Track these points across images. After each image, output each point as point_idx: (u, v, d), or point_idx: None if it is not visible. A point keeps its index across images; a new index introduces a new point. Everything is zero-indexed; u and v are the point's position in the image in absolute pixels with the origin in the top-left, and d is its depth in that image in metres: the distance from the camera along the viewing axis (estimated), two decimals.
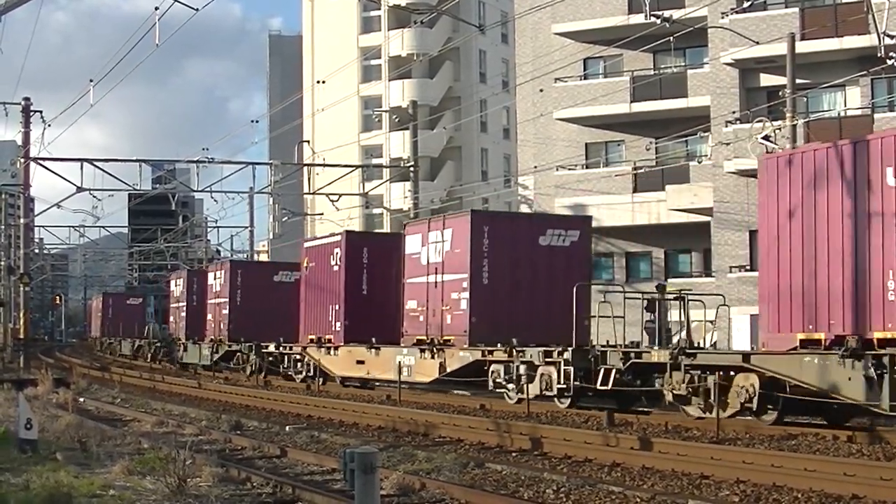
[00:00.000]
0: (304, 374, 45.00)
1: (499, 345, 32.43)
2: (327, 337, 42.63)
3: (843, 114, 45.67)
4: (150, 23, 32.63)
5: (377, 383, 41.59)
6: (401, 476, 17.35)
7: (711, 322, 47.09)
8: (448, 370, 35.21)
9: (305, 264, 45.60)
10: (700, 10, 45.14)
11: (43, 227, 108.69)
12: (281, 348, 47.51)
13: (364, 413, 29.92)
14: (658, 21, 39.87)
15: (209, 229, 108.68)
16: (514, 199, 73.16)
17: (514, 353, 31.39)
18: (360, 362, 40.39)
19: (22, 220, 68.51)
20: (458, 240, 34.95)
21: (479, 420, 26.89)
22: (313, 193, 60.11)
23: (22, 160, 57.45)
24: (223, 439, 24.71)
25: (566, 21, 55.07)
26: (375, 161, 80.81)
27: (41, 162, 54.92)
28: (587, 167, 54.90)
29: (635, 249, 54.68)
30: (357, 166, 63.61)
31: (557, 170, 55.20)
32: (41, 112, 57.11)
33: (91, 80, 46.60)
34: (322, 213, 66.25)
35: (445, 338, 35.29)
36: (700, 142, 50.18)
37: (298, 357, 45.73)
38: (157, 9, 31.87)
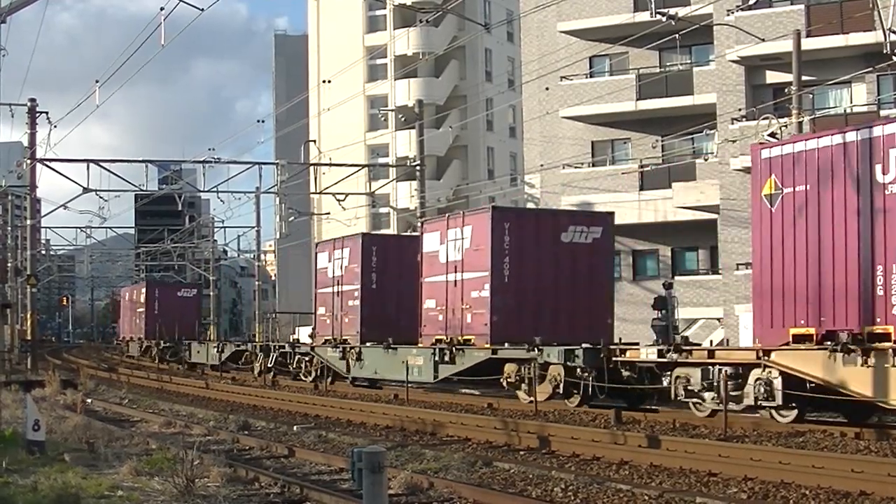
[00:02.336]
0: (770, 401, 24.31)
1: None
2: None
3: (849, 110, 45.62)
4: (156, 23, 32.68)
5: None
6: (409, 475, 17.36)
7: (718, 319, 47.31)
8: None
9: (770, 190, 24.51)
10: (705, 8, 45.12)
11: (50, 228, 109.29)
12: (682, 355, 26.69)
13: (372, 412, 29.92)
14: (664, 19, 39.91)
15: (216, 229, 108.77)
16: (520, 197, 73.10)
17: None
18: None
19: (28, 222, 68.49)
20: None
21: (486, 419, 26.88)
22: (320, 193, 60.10)
23: (28, 161, 57.46)
24: (231, 439, 24.73)
25: (572, 19, 55.05)
26: (382, 160, 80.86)
27: (47, 163, 54.99)
28: (594, 165, 54.86)
29: (642, 247, 54.64)
30: (363, 165, 63.64)
31: (564, 168, 55.18)
32: (47, 113, 57.13)
33: (97, 81, 46.73)
34: (329, 213, 66.23)
35: None
36: (706, 139, 50.12)
37: (731, 372, 24.69)
38: (162, 9, 31.92)
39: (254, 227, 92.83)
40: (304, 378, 46.11)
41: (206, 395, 41.43)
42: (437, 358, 35.38)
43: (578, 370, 29.45)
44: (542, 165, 56.82)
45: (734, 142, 43.73)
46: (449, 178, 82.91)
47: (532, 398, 30.40)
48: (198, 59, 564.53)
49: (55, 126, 55.87)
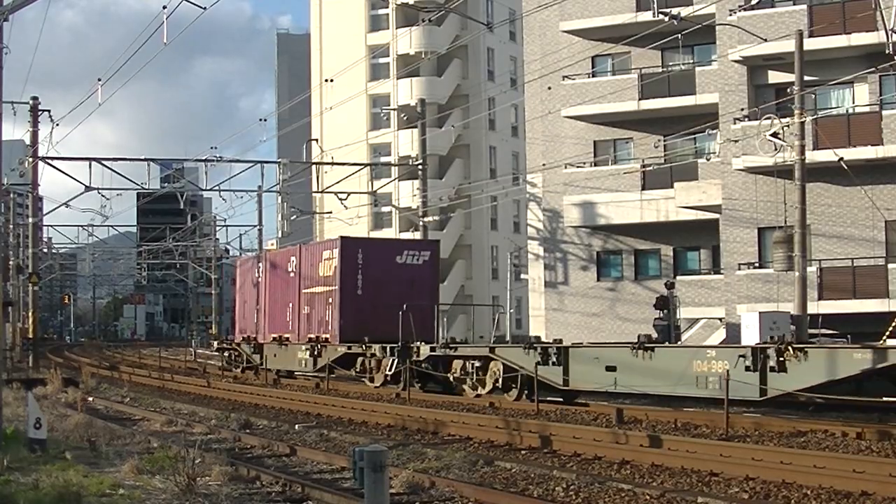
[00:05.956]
0: None
1: None
2: None
3: (851, 111, 45.61)
4: (159, 21, 32.67)
5: None
6: (410, 474, 17.37)
7: (720, 319, 47.31)
8: None
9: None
10: (708, 8, 45.08)
11: (51, 226, 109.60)
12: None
13: (373, 411, 29.95)
14: (666, 18, 39.85)
15: (218, 228, 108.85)
16: (522, 197, 73.13)
17: None
18: None
19: (30, 220, 68.60)
20: None
21: (488, 418, 26.90)
22: (322, 192, 60.12)
23: (30, 159, 57.54)
24: (233, 438, 24.75)
25: (574, 19, 54.99)
26: (384, 159, 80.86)
27: (49, 161, 55.06)
28: (596, 165, 54.78)
29: (644, 247, 54.59)
30: (365, 164, 63.62)
31: (566, 167, 55.12)
32: (49, 111, 57.27)
33: (99, 80, 46.78)
34: (331, 212, 66.23)
35: None
36: (708, 139, 50.03)
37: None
38: (164, 7, 31.92)
39: (256, 226, 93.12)
40: None
41: (208, 393, 41.43)
42: None
43: None
44: (544, 165, 56.75)
45: (736, 142, 43.68)
46: (451, 177, 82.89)
47: None
48: (201, 58, 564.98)
49: (57, 124, 56.08)
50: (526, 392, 32.92)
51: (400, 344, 38.65)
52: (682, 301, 43.58)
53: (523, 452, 21.46)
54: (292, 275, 49.16)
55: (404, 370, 37.78)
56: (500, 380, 34.03)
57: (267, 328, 51.86)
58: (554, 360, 31.71)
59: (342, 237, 47.51)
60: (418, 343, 38.50)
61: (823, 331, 36.93)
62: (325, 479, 18.51)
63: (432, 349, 37.82)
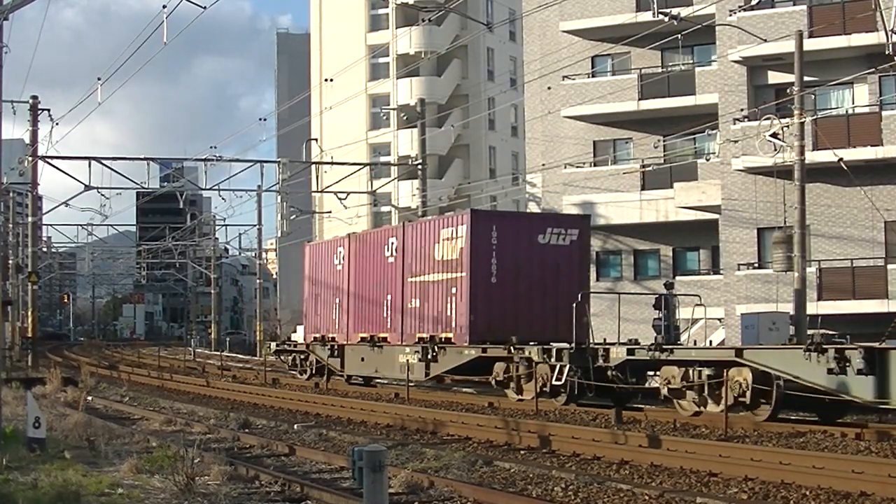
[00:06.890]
0: None
1: None
2: None
3: (851, 111, 45.61)
4: (159, 21, 32.66)
5: None
6: (409, 474, 17.36)
7: (720, 320, 47.31)
8: None
9: None
10: (708, 8, 45.08)
11: (51, 225, 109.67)
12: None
13: (372, 411, 29.94)
14: (666, 19, 39.87)
15: (217, 227, 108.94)
16: (521, 196, 73.10)
17: None
18: None
19: (30, 219, 68.52)
20: None
21: (487, 418, 26.88)
22: (321, 191, 60.14)
23: (30, 158, 57.52)
24: (231, 437, 24.75)
25: (574, 19, 54.99)
26: (383, 159, 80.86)
27: (49, 160, 55.07)
28: (595, 165, 54.79)
29: (644, 247, 54.61)
30: (365, 164, 63.61)
31: (565, 167, 55.12)
32: (49, 110, 57.22)
33: (99, 79, 46.81)
34: (330, 212, 66.25)
35: None
36: (708, 139, 50.06)
37: None
38: (164, 7, 31.92)
39: (255, 226, 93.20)
40: None
41: (207, 393, 41.42)
42: None
43: None
44: (543, 165, 56.74)
45: (736, 142, 43.68)
46: (451, 177, 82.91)
47: None
48: (201, 57, 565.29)
49: (57, 123, 56.08)
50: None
51: (573, 345, 30.24)
52: (681, 301, 43.54)
53: (522, 452, 21.46)
54: (391, 260, 40.12)
55: (576, 379, 29.76)
56: (749, 394, 25.76)
57: (351, 326, 42.93)
58: (861, 367, 22.93)
59: (472, 210, 38.93)
60: (604, 344, 30.45)
61: (822, 331, 36.92)
62: (324, 479, 18.51)
63: (630, 352, 29.33)
